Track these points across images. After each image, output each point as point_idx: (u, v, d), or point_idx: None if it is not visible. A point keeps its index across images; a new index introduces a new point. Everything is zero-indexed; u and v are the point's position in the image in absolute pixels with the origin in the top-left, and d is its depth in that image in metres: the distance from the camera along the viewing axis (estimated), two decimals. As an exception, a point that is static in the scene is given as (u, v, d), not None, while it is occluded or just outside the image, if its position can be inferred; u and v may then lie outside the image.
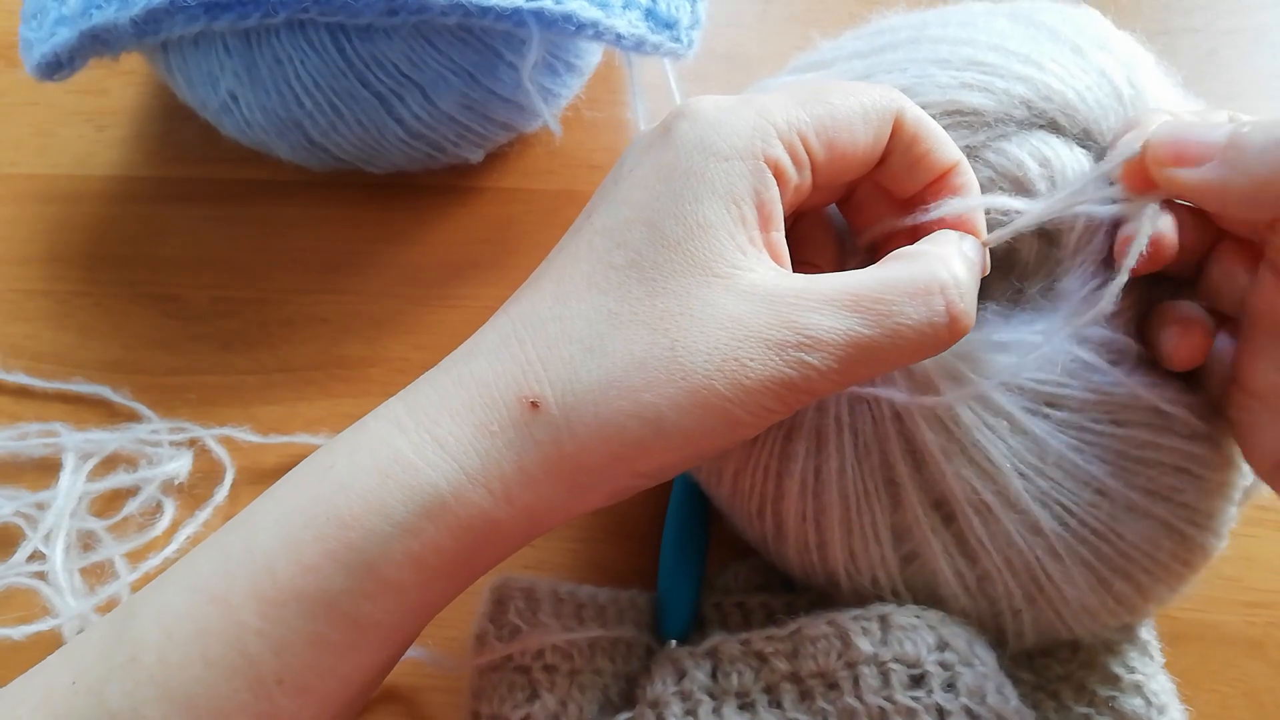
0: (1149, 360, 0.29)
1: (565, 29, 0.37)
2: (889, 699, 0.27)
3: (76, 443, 0.40)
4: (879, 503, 0.29)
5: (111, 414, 0.41)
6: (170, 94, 0.45)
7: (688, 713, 0.29)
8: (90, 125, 0.49)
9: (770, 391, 0.24)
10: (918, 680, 0.28)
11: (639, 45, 0.38)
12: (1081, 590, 0.29)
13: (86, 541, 0.38)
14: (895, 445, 0.29)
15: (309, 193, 0.46)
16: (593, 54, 0.44)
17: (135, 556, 0.38)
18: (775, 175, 0.25)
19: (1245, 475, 0.30)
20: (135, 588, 0.37)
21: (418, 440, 0.24)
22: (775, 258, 0.26)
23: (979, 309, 0.30)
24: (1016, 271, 0.33)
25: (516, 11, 0.36)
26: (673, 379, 0.24)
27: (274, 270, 0.45)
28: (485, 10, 0.36)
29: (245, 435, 0.40)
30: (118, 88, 0.50)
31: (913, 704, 0.27)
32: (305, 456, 0.26)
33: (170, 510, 0.39)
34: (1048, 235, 0.31)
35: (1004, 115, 0.31)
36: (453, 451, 0.24)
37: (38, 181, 0.48)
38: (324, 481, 0.24)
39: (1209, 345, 0.28)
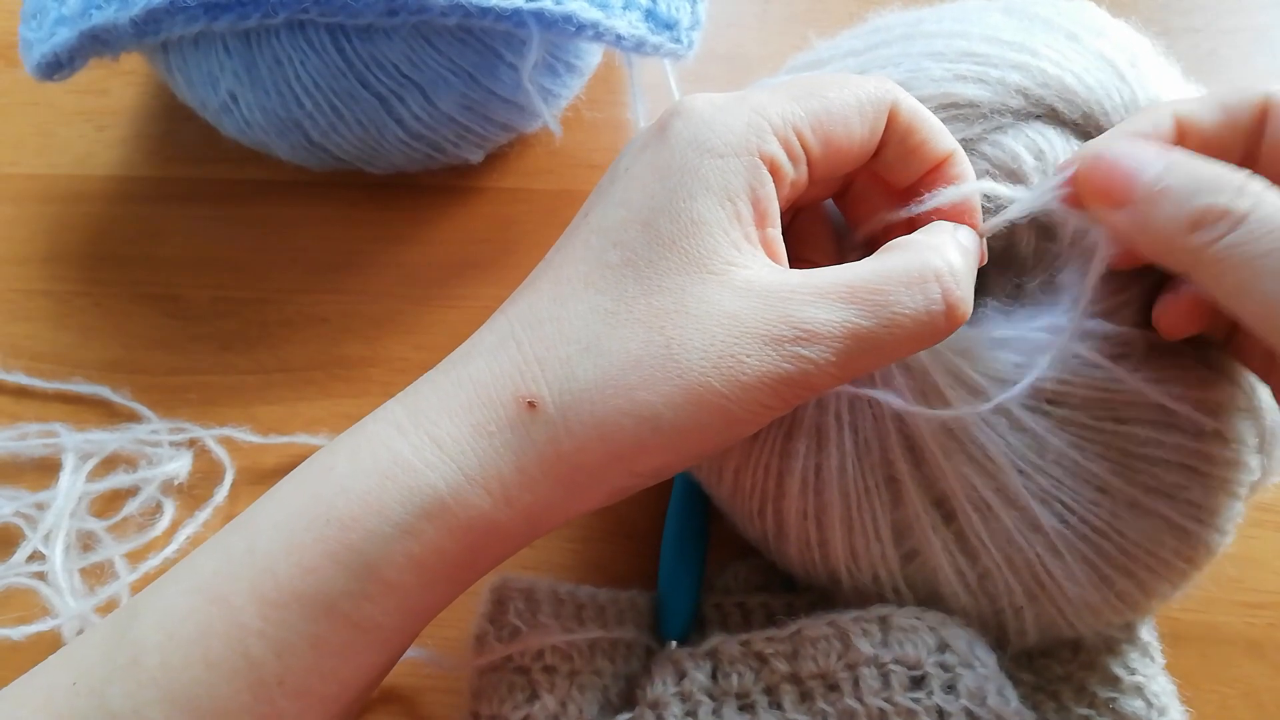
0: (1156, 355, 0.29)
1: (565, 30, 0.37)
2: (889, 700, 0.27)
3: (76, 443, 0.40)
4: (879, 500, 0.29)
5: (111, 414, 0.41)
6: (170, 94, 0.45)
7: (687, 713, 0.29)
8: (90, 125, 0.49)
9: (767, 387, 0.24)
10: (918, 682, 0.28)
11: (639, 46, 0.38)
12: (1083, 587, 0.29)
13: (86, 542, 0.38)
14: (895, 442, 0.29)
15: (309, 193, 0.46)
16: (593, 55, 0.44)
17: (135, 557, 0.38)
18: (771, 171, 0.25)
19: (1252, 471, 0.30)
20: (135, 588, 0.37)
21: (417, 442, 0.24)
22: (771, 254, 0.26)
23: (978, 305, 0.30)
24: (1015, 267, 0.33)
25: (516, 12, 0.36)
26: (669, 377, 0.24)
27: (274, 270, 0.45)
28: (485, 11, 0.36)
29: (245, 435, 0.40)
30: (118, 88, 0.50)
31: (913, 705, 0.27)
32: (305, 457, 0.26)
33: (170, 510, 0.39)
34: (1044, 229, 0.31)
35: (1000, 106, 0.31)
36: (451, 452, 0.24)
37: (38, 181, 0.48)
38: (324, 483, 0.24)
39: (1199, 316, 0.28)
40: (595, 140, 0.47)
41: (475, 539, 0.24)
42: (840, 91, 0.26)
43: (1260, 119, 0.26)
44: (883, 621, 0.29)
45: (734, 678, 0.30)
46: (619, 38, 0.37)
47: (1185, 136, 0.26)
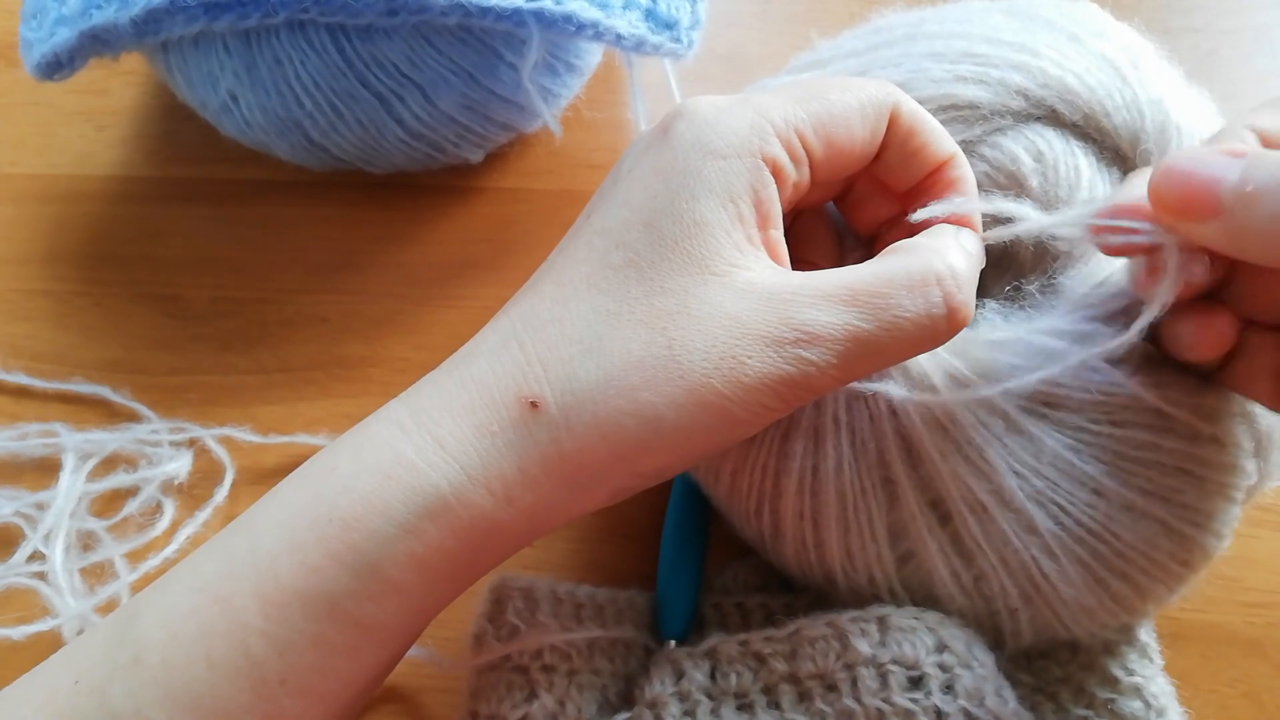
0: (1152, 360, 0.29)
1: (565, 29, 0.37)
2: (887, 700, 0.27)
3: (76, 443, 0.40)
4: (875, 501, 0.29)
5: (111, 414, 0.41)
6: (170, 94, 0.45)
7: (686, 713, 0.29)
8: (90, 125, 0.49)
9: (769, 389, 0.24)
10: (916, 682, 0.28)
11: (639, 46, 0.38)
12: (1078, 590, 0.29)
13: (86, 541, 0.38)
14: (892, 443, 0.29)
15: (309, 193, 0.46)
16: (593, 54, 0.44)
17: (135, 556, 0.38)
18: (773, 173, 0.25)
19: (1249, 475, 0.30)
20: (135, 588, 0.37)
21: (419, 441, 0.24)
22: (774, 256, 0.26)
23: (976, 307, 0.30)
24: (1014, 269, 0.33)
25: (516, 12, 0.36)
26: (671, 378, 0.24)
27: (274, 270, 0.45)
28: (485, 10, 0.36)
29: (245, 435, 0.40)
30: (118, 88, 0.50)
31: (911, 706, 0.27)
32: (305, 457, 0.26)
33: (170, 510, 0.39)
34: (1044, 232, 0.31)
35: (1000, 107, 0.31)
36: (453, 452, 0.24)
37: (38, 181, 0.48)
38: (327, 483, 0.24)
39: (1234, 335, 0.27)
40: (595, 140, 0.47)
41: (477, 538, 0.24)
42: (842, 94, 0.26)
43: None
44: (881, 622, 0.29)
45: (732, 677, 0.30)
46: (619, 37, 0.37)
47: (1269, 146, 0.25)
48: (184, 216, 0.46)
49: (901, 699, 0.27)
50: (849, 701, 0.28)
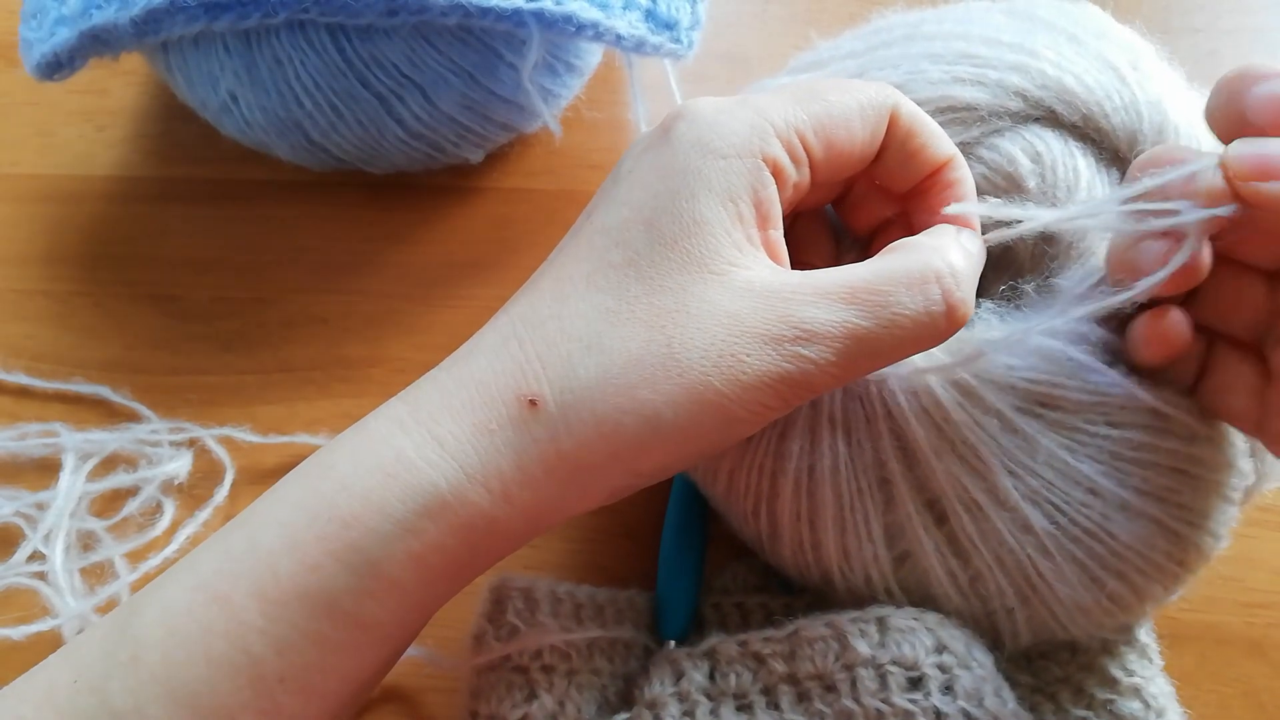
0: None
1: (565, 30, 0.37)
2: (886, 701, 0.27)
3: (76, 443, 0.40)
4: (872, 501, 0.30)
5: (111, 414, 0.41)
6: (170, 94, 0.45)
7: (685, 713, 0.29)
8: (90, 125, 0.49)
9: (768, 387, 0.24)
10: (915, 683, 0.28)
11: (639, 46, 0.38)
12: (1075, 589, 0.29)
13: (86, 541, 0.38)
14: (887, 443, 0.29)
15: (309, 193, 0.46)
16: (593, 54, 0.44)
17: (135, 556, 0.38)
18: (774, 173, 0.25)
19: (1246, 476, 0.30)
20: (135, 588, 0.37)
21: (418, 439, 0.24)
22: (773, 256, 0.26)
23: (975, 307, 0.30)
24: (1012, 269, 0.33)
25: (517, 12, 0.36)
26: (670, 376, 0.24)
27: (274, 270, 0.45)
28: (485, 11, 0.36)
29: (245, 435, 0.40)
30: (118, 88, 0.50)
31: (910, 706, 0.27)
32: (305, 456, 0.26)
33: (170, 510, 0.39)
34: (1043, 234, 0.31)
35: (998, 109, 0.31)
36: (452, 450, 0.24)
37: (38, 181, 0.48)
38: (326, 481, 0.24)
39: (1187, 339, 0.27)
40: (595, 140, 0.47)
41: (476, 537, 0.24)
42: (842, 96, 0.27)
43: None
44: (880, 622, 0.29)
45: (732, 678, 0.30)
46: (619, 38, 0.37)
47: None
48: (184, 216, 0.46)
49: (900, 700, 0.27)
50: (848, 702, 0.28)
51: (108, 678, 0.23)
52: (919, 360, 0.29)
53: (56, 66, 0.40)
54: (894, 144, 0.27)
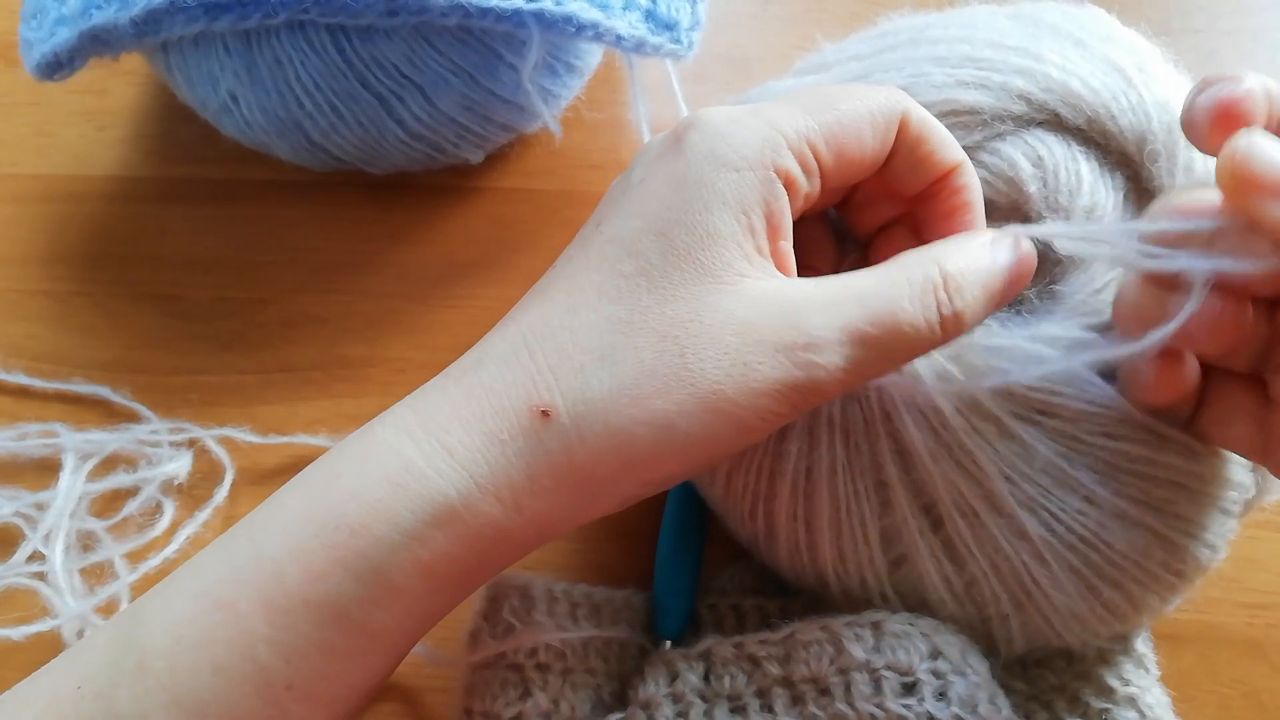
0: None
1: (565, 30, 0.37)
2: (880, 706, 0.27)
3: (76, 443, 0.40)
4: (869, 504, 0.30)
5: (111, 414, 0.41)
6: (170, 94, 0.45)
7: (679, 714, 0.29)
8: (90, 125, 0.49)
9: (779, 394, 0.24)
10: (909, 688, 0.28)
11: (639, 47, 0.38)
12: (1070, 597, 0.29)
13: (86, 542, 0.38)
14: (885, 445, 0.29)
15: (309, 193, 0.46)
16: (593, 55, 0.44)
17: (135, 557, 0.38)
18: (785, 185, 0.26)
19: (1247, 489, 0.30)
20: (135, 588, 0.37)
21: (428, 449, 0.24)
22: (781, 267, 0.26)
23: None
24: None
25: (517, 13, 0.36)
26: (683, 386, 0.24)
27: (274, 270, 0.45)
28: (485, 11, 0.36)
29: (245, 435, 0.40)
30: (118, 88, 0.50)
31: (904, 712, 0.27)
32: (305, 457, 0.26)
33: (170, 511, 0.39)
34: (1047, 241, 0.31)
35: (1001, 112, 0.31)
36: (463, 460, 0.24)
37: (38, 181, 0.48)
38: (333, 490, 0.24)
39: (1194, 382, 0.27)
40: (595, 140, 0.47)
41: (484, 546, 0.24)
42: (852, 103, 0.27)
43: None
44: (875, 627, 0.29)
45: (726, 680, 0.30)
46: (619, 38, 0.37)
47: None
48: (184, 216, 0.46)
49: (895, 705, 0.27)
50: (842, 706, 0.28)
51: (114, 686, 0.23)
52: (918, 362, 0.29)
53: (56, 66, 0.40)
54: (903, 149, 0.28)
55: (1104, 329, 0.29)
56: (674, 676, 0.30)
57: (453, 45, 0.38)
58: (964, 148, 0.31)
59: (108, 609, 0.37)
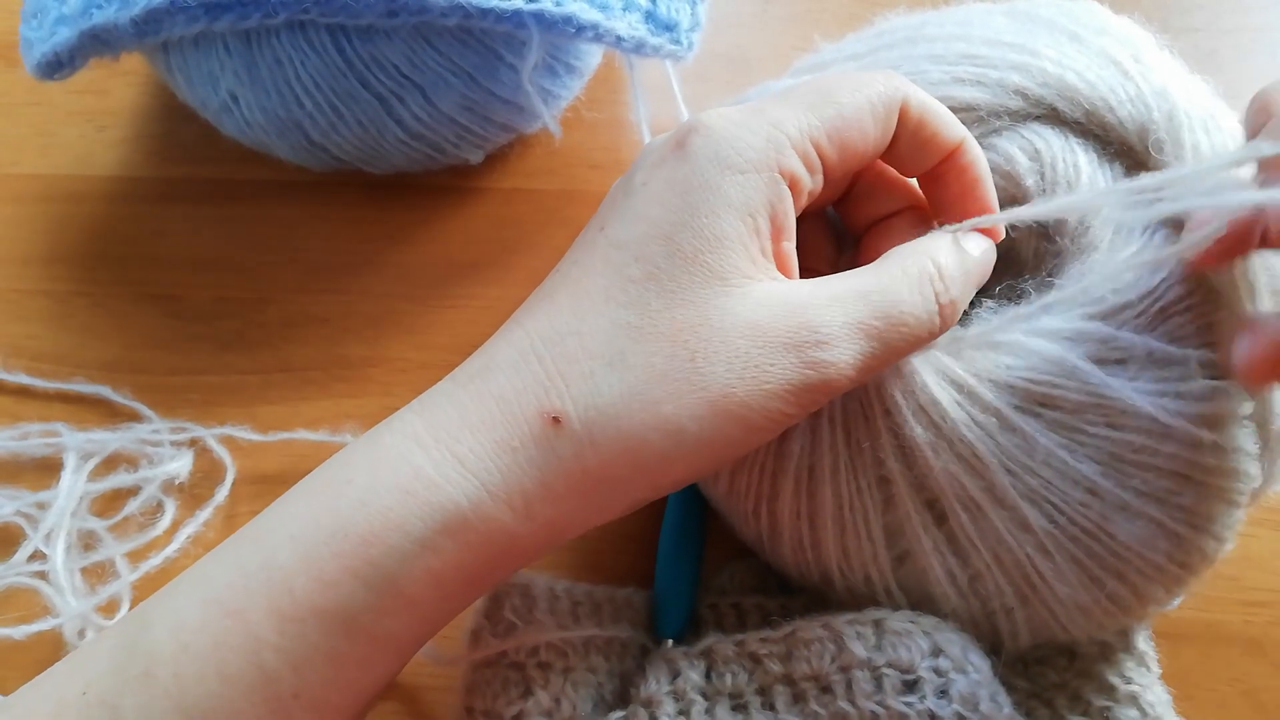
0: (1156, 364, 0.29)
1: (565, 31, 0.37)
2: (882, 704, 0.27)
3: (77, 442, 0.40)
4: (871, 501, 0.30)
5: (112, 414, 0.42)
6: (170, 94, 0.45)
7: (680, 712, 0.29)
8: (90, 125, 0.49)
9: (789, 393, 0.24)
10: (911, 686, 0.28)
11: (639, 47, 0.38)
12: (1074, 589, 0.29)
13: (87, 541, 0.38)
14: (886, 441, 0.29)
15: (309, 193, 0.46)
16: (593, 55, 0.44)
17: (136, 556, 0.38)
18: (790, 185, 0.26)
19: (1253, 479, 0.30)
20: (136, 587, 0.37)
21: (438, 457, 0.24)
22: (783, 268, 0.26)
23: (974, 305, 0.31)
24: (1014, 267, 0.33)
25: (517, 13, 0.36)
26: (694, 390, 0.24)
27: (274, 270, 0.45)
28: (485, 12, 0.36)
29: (246, 434, 0.40)
30: (118, 88, 0.50)
31: (905, 709, 0.27)
32: (306, 456, 0.26)
33: (171, 510, 0.39)
34: (1045, 232, 0.31)
35: (998, 108, 0.31)
36: (473, 468, 0.24)
37: (38, 181, 0.48)
38: (342, 498, 0.24)
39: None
40: (595, 140, 0.47)
41: (495, 552, 0.24)
42: (853, 94, 0.27)
43: None
44: (877, 625, 0.29)
45: (728, 678, 0.30)
46: (619, 39, 0.37)
47: None
48: (184, 216, 0.46)
49: (896, 702, 0.27)
50: (843, 704, 0.28)
51: (119, 693, 0.23)
52: (924, 369, 0.29)
53: (57, 66, 0.40)
54: (906, 134, 0.28)
55: (1104, 316, 0.29)
56: (675, 674, 0.30)
57: (453, 45, 0.38)
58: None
59: (109, 608, 0.37)
